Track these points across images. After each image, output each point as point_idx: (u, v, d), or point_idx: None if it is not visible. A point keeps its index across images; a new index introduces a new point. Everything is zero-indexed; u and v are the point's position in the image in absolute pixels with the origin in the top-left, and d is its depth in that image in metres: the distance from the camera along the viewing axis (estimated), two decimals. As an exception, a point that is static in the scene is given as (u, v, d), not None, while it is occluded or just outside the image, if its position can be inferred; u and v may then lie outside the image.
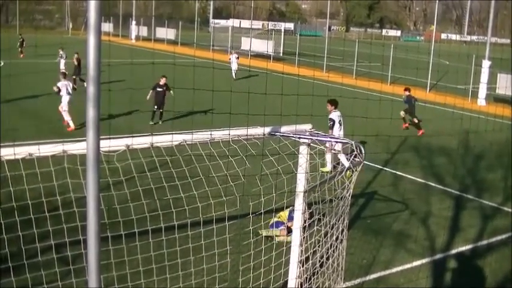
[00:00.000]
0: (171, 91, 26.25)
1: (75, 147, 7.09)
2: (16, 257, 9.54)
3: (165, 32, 79.55)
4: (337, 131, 19.36)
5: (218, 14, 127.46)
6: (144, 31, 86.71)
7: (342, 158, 16.51)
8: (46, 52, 48.70)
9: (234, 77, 44.22)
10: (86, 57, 4.09)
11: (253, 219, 10.23)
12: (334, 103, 19.57)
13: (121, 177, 9.45)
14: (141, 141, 7.65)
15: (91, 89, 4.19)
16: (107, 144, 6.99)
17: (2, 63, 37.66)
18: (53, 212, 9.44)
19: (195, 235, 10.17)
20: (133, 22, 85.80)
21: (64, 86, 24.57)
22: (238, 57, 45.68)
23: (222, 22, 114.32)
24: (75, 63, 34.72)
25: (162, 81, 26.55)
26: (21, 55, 52.00)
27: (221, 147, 9.34)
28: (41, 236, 9.69)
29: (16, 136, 11.66)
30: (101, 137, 4.36)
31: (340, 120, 19.52)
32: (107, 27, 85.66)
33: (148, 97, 26.59)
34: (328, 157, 19.08)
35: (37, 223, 9.41)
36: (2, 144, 7.42)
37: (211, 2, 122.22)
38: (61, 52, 39.94)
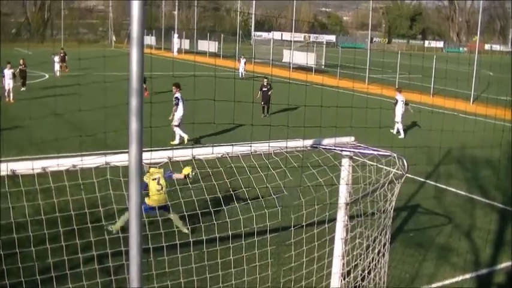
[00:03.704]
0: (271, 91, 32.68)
1: (118, 159, 7.15)
2: (59, 267, 9.66)
3: (207, 45, 79.93)
4: (181, 110, 24.40)
5: (260, 27, 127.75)
6: (186, 44, 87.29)
7: (177, 130, 24.16)
8: (89, 65, 49.26)
9: (241, 76, 52.23)
10: (128, 69, 4.13)
11: (295, 231, 10.18)
12: (178, 86, 24.74)
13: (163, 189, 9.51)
14: (182, 154, 7.69)
15: (133, 102, 4.21)
16: (149, 156, 7.03)
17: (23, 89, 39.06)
18: (95, 223, 9.54)
19: (236, 247, 10.17)
20: (176, 35, 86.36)
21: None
22: (245, 63, 54.18)
23: (264, 35, 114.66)
24: (20, 69, 39.79)
25: (265, 82, 33.08)
26: (65, 70, 51.85)
27: (263, 160, 9.34)
28: (84, 246, 9.79)
29: (60, 148, 11.80)
30: (143, 149, 4.39)
31: (183, 100, 24.53)
32: (150, 40, 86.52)
33: (258, 96, 32.69)
34: (177, 130, 24.35)
35: (80, 234, 9.51)
36: (47, 156, 7.50)
37: (253, 15, 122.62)
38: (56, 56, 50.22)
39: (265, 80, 33.60)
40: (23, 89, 39.18)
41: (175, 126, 24.39)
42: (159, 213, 12.30)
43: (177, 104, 24.42)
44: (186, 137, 24.48)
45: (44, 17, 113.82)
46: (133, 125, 4.23)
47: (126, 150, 4.35)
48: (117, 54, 57.66)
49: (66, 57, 52.35)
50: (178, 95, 24.58)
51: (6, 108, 33.04)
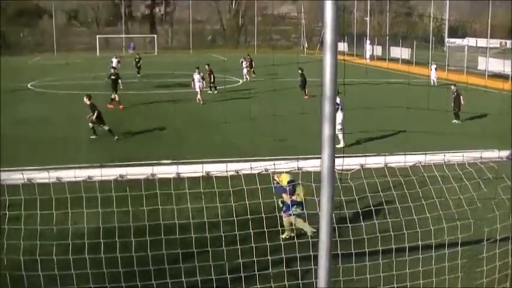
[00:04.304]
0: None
1: (310, 164, 7.19)
2: (248, 267, 9.88)
3: (399, 52, 78.78)
4: (340, 115, 24.14)
5: (454, 33, 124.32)
6: (378, 50, 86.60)
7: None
8: (282, 71, 50.10)
9: (433, 84, 48.67)
10: (322, 75, 4.14)
11: (488, 246, 9.79)
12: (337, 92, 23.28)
13: (354, 195, 9.47)
14: (375, 161, 7.60)
15: (327, 108, 4.23)
16: (341, 163, 7.00)
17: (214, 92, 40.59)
18: (284, 227, 9.66)
19: (425, 258, 9.91)
20: (368, 41, 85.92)
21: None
22: (436, 69, 51.32)
23: (458, 41, 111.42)
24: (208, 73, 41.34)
25: (453, 88, 32.43)
26: (251, 75, 52.45)
27: (456, 170, 9.05)
28: (273, 249, 9.95)
29: (253, 151, 12.05)
30: (336, 155, 4.38)
31: (342, 105, 24.44)
32: (342, 46, 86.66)
33: (452, 103, 31.76)
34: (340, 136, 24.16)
35: (270, 236, 9.68)
36: (240, 159, 7.68)
37: (447, 21, 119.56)
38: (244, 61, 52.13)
39: (452, 86, 33.03)
40: (210, 92, 41.16)
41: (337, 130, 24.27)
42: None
43: (337, 110, 24.15)
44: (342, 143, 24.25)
45: (238, 23, 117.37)
46: (326, 130, 4.26)
47: (318, 156, 4.37)
48: (309, 60, 58.34)
49: (253, 62, 53.11)
50: (337, 100, 24.38)
51: (197, 109, 34.49)
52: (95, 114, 25.94)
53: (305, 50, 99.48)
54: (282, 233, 12.78)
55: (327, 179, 4.36)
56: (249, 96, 40.26)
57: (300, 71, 41.33)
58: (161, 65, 59.61)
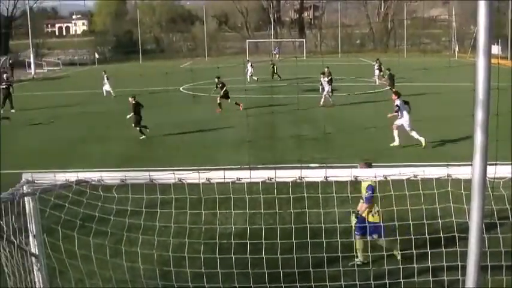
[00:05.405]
0: None
1: (460, 172, 7.00)
2: (394, 275, 9.76)
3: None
4: (406, 115, 24.13)
5: None
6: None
7: (413, 134, 23.78)
8: (431, 75, 49.11)
9: None
10: (474, 80, 4.04)
11: None
12: (397, 94, 25.00)
13: (506, 205, 9.13)
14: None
15: (480, 114, 4.12)
16: (493, 171, 6.77)
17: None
18: (433, 235, 9.47)
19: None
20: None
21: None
22: None
23: None
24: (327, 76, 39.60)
25: None
26: (382, 78, 50.54)
27: None
28: (418, 256, 9.77)
29: (403, 158, 11.83)
30: (488, 162, 4.26)
31: (404, 106, 24.34)
32: (495, 49, 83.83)
33: None
34: (396, 133, 24.23)
35: (416, 244, 9.50)
36: (392, 164, 7.57)
37: None
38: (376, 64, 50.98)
39: None
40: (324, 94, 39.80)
41: (410, 130, 24.14)
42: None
43: (397, 111, 24.64)
44: (423, 140, 23.85)
45: (387, 27, 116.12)
46: (479, 137, 4.15)
47: (470, 163, 4.26)
48: (460, 64, 57.00)
49: (382, 66, 51.25)
50: (398, 102, 24.71)
51: (339, 113, 34.35)
52: (132, 114, 27.31)
53: (456, 53, 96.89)
54: (356, 257, 11.62)
55: (477, 187, 4.25)
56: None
57: (387, 71, 42.38)
58: (310, 68, 59.91)
